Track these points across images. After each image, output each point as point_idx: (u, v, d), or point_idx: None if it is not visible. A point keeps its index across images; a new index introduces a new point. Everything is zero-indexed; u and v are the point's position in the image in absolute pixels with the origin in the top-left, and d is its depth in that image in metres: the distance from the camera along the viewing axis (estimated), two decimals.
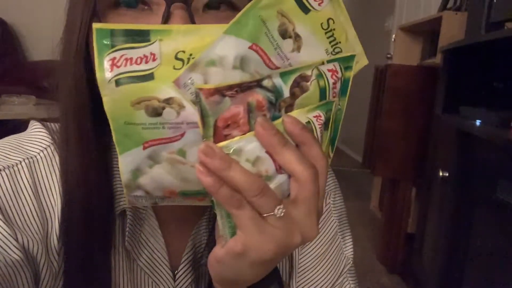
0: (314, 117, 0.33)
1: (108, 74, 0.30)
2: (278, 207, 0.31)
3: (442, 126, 1.53)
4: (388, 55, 2.75)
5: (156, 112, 0.31)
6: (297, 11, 0.33)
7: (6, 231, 0.38)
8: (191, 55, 0.31)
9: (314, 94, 0.33)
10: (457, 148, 1.35)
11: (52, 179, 0.42)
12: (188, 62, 0.31)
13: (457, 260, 1.27)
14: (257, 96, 0.30)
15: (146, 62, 0.30)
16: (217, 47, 0.31)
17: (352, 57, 0.35)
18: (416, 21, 2.19)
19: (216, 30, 0.31)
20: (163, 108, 0.31)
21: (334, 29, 0.35)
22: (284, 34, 0.33)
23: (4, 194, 0.40)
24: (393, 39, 2.63)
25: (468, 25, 1.54)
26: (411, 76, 1.90)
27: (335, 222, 0.54)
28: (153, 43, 0.30)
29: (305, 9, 0.33)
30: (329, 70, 0.33)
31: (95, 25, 0.30)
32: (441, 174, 1.38)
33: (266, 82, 0.31)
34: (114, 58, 0.30)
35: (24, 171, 0.41)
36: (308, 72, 0.33)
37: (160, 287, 0.47)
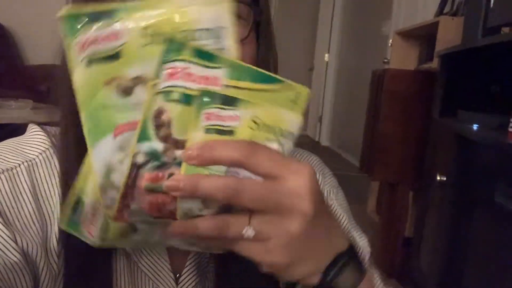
0: (207, 119, 0.29)
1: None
2: (245, 229, 0.29)
3: (439, 130, 1.53)
4: (385, 60, 2.76)
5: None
6: (110, 65, 0.30)
7: (6, 234, 0.38)
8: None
9: (182, 111, 0.29)
10: (454, 152, 1.35)
11: (52, 182, 0.42)
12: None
13: (455, 264, 1.27)
14: (146, 177, 0.29)
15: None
16: (94, 167, 0.30)
17: (172, 41, 0.29)
18: (413, 25, 2.20)
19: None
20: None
21: (153, 29, 0.30)
22: (125, 93, 0.30)
23: (3, 197, 0.39)
24: (390, 44, 2.64)
25: (465, 30, 1.55)
26: (408, 81, 1.91)
27: (343, 216, 0.53)
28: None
29: (112, 58, 0.30)
30: (170, 75, 0.29)
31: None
32: (438, 178, 1.38)
33: (139, 158, 0.29)
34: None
35: (23, 173, 0.41)
36: (156, 106, 0.29)
37: None
